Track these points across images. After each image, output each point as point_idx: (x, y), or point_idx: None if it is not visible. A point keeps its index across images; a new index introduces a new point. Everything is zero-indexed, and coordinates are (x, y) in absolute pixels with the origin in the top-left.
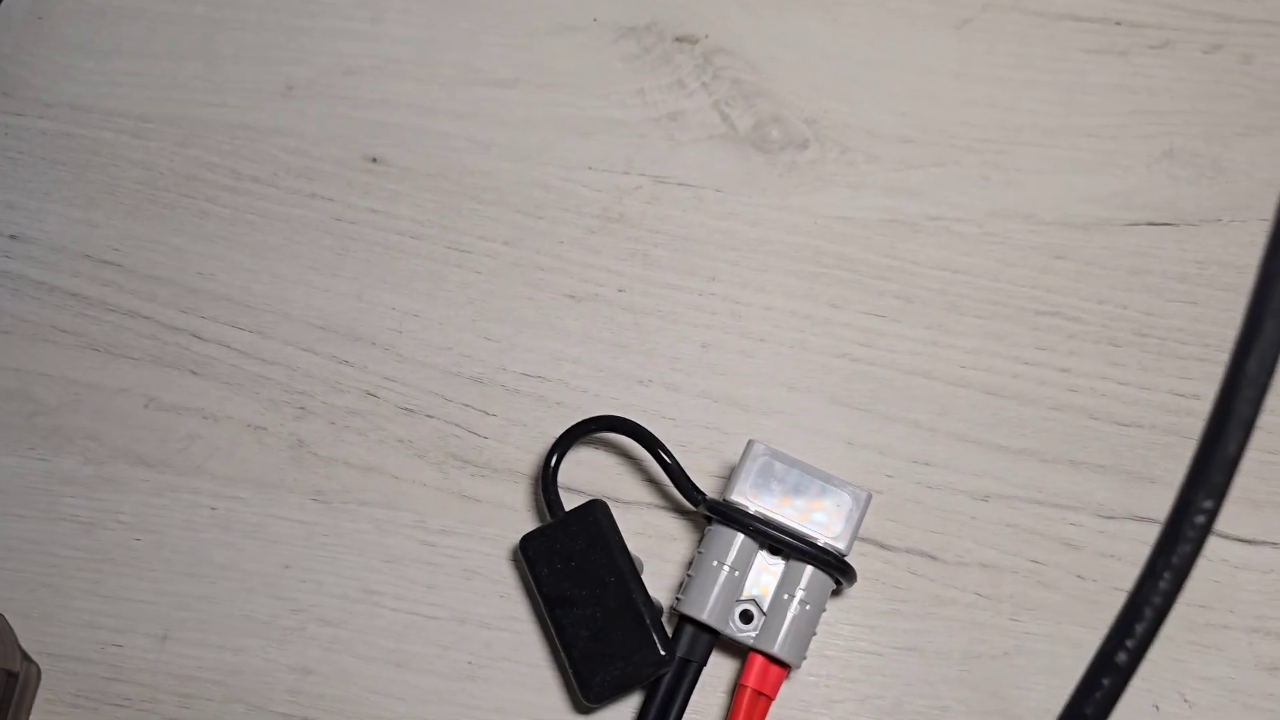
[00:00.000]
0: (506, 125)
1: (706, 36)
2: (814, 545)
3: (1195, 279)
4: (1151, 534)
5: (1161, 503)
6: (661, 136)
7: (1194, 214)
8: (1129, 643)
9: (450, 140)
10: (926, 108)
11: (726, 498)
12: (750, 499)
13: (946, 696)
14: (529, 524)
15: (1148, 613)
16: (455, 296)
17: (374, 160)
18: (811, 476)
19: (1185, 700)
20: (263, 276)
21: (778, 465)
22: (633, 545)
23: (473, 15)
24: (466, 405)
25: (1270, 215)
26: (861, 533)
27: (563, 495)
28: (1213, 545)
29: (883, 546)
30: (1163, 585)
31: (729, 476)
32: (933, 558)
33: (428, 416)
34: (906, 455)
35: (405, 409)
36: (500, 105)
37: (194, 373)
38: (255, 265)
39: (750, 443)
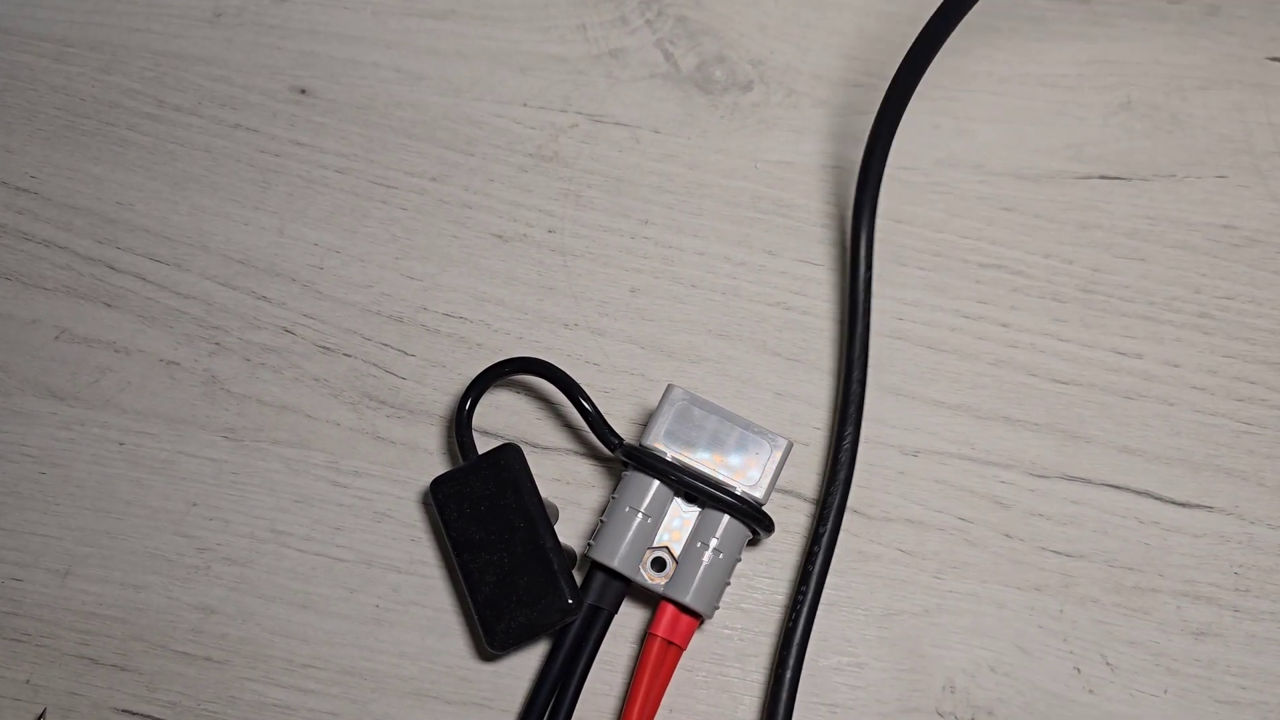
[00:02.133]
0: (440, 57)
1: None
2: (730, 493)
3: (1145, 235)
4: (1083, 494)
5: (1095, 462)
6: (601, 74)
7: (1148, 168)
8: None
9: (380, 72)
10: (878, 52)
11: (642, 443)
12: (667, 445)
13: (863, 654)
14: (443, 467)
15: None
16: (378, 233)
17: (301, 91)
18: (731, 423)
19: (1108, 663)
20: (182, 208)
21: (696, 411)
22: (549, 491)
23: None
24: (385, 345)
25: (1228, 171)
26: (786, 486)
27: (479, 439)
28: (1145, 507)
29: (807, 500)
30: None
31: (646, 422)
32: (857, 512)
33: (345, 355)
34: (835, 405)
35: (322, 347)
36: (434, 36)
37: (108, 305)
38: (175, 196)
39: (669, 387)
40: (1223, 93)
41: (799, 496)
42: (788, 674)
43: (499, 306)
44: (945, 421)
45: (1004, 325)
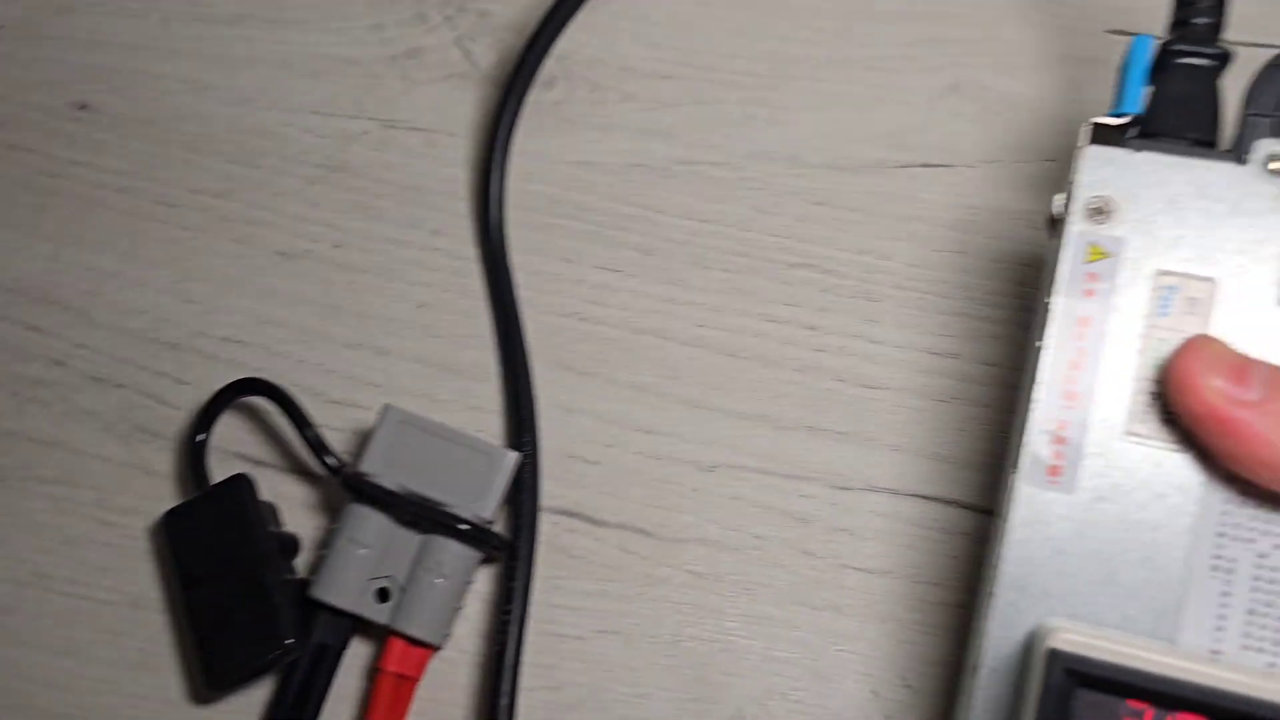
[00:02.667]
0: (228, 65)
1: None
2: (453, 516)
3: (967, 226)
4: (890, 506)
5: (903, 472)
6: (396, 76)
7: (973, 155)
8: None
9: (165, 83)
10: (689, 39)
11: (359, 469)
12: (385, 469)
13: (648, 683)
14: None
15: None
16: (157, 255)
17: (82, 107)
18: (454, 442)
19: (907, 685)
20: None
21: (416, 431)
22: (297, 519)
23: None
24: (160, 373)
25: (1057, 155)
26: (572, 508)
27: (232, 463)
28: (954, 518)
29: (593, 522)
30: None
31: (362, 445)
32: (648, 534)
33: (117, 386)
34: (629, 423)
35: (94, 378)
36: (224, 43)
37: None
38: None
39: (385, 408)
40: (1055, 71)
41: (588, 519)
42: (503, 701)
43: (280, 329)
44: (744, 434)
45: (812, 329)
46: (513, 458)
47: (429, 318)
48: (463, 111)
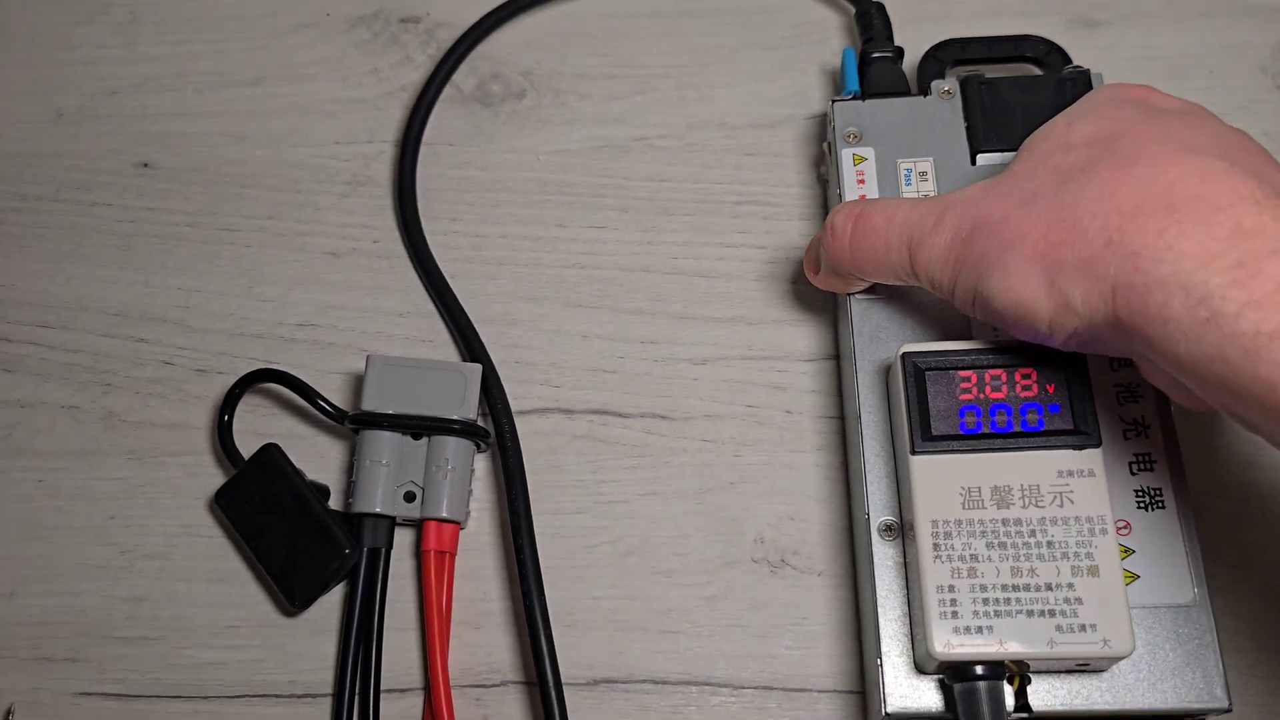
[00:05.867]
0: (257, 118)
1: (428, 14)
2: (444, 420)
3: None
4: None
5: (825, 343)
6: (397, 106)
7: None
8: None
9: (208, 137)
10: (626, 46)
11: (361, 408)
12: (382, 403)
13: (687, 526)
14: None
15: None
16: (230, 269)
17: (145, 165)
18: (429, 369)
19: None
20: (59, 279)
21: (397, 368)
22: (321, 474)
23: (217, 26)
24: (252, 358)
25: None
26: (602, 408)
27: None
28: None
29: (620, 415)
30: None
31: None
32: (664, 417)
33: (219, 374)
34: (633, 338)
35: (199, 370)
36: (250, 101)
37: (8, 370)
38: (50, 271)
39: (368, 357)
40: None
41: (616, 414)
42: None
43: (342, 310)
44: (725, 333)
45: (761, 248)
46: (478, 368)
47: (460, 285)
48: (455, 125)
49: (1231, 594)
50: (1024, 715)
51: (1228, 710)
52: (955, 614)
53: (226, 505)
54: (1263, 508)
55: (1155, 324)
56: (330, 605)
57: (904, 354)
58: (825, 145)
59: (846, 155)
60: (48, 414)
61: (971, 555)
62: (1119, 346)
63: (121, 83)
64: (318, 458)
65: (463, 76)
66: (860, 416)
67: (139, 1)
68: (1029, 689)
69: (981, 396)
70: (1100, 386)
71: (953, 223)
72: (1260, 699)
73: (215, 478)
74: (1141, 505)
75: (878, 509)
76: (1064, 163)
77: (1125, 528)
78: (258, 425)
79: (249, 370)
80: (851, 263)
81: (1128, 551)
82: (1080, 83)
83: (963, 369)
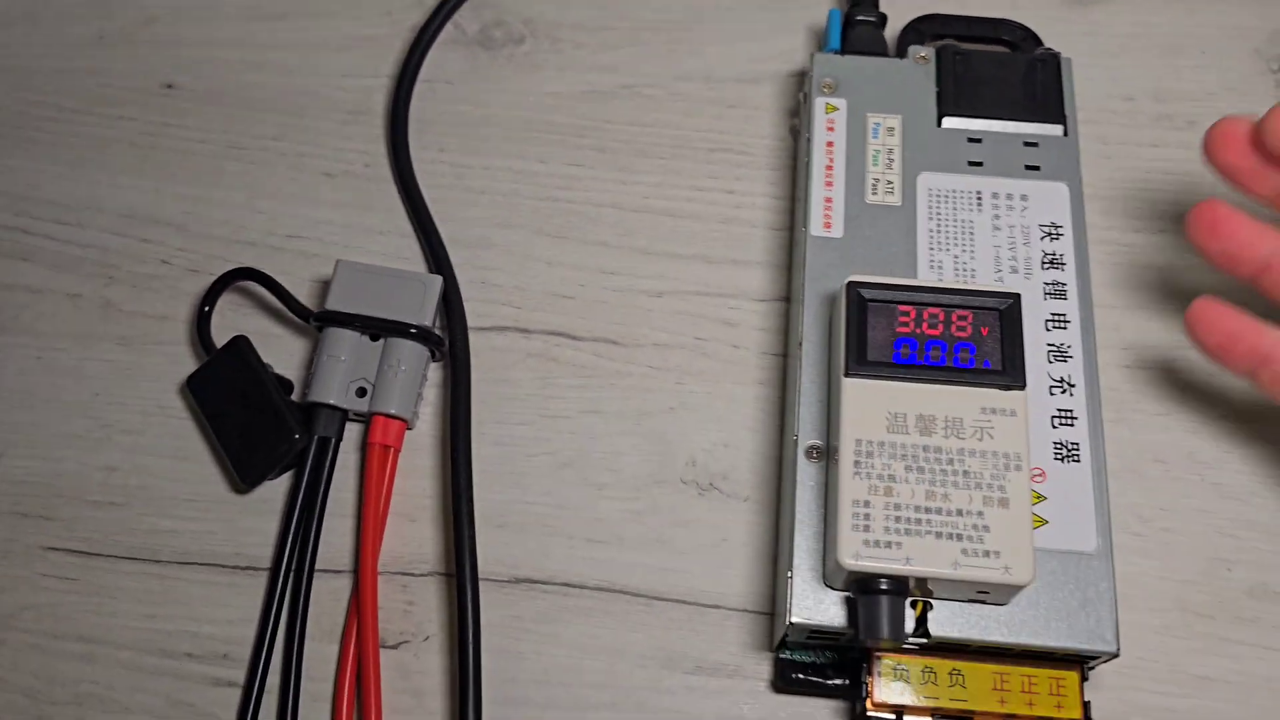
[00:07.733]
0: (277, 49)
1: None
2: (402, 324)
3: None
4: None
5: (779, 286)
6: (403, 47)
7: None
8: None
9: (229, 65)
10: (625, 1)
11: (325, 307)
12: (345, 305)
13: (623, 445)
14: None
15: None
16: (233, 183)
17: (169, 86)
18: (393, 277)
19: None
20: (80, 183)
21: (363, 274)
22: (288, 370)
23: None
24: (242, 262)
25: None
26: (557, 329)
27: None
28: None
29: (573, 338)
30: None
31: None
32: (614, 343)
33: (210, 274)
34: (595, 268)
35: (192, 270)
36: (272, 34)
37: (24, 259)
38: (74, 175)
39: (337, 262)
40: None
41: (568, 336)
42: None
43: (329, 225)
44: (683, 268)
45: (730, 192)
46: (438, 279)
47: (440, 209)
48: (455, 65)
49: (1132, 549)
50: (922, 639)
51: (1115, 655)
52: (868, 528)
53: (196, 389)
54: (1172, 473)
55: None
56: (280, 488)
57: (849, 283)
58: (801, 95)
59: (819, 103)
60: (53, 300)
61: (890, 475)
62: None
63: (160, 9)
64: (287, 355)
65: (468, 20)
66: (801, 344)
67: None
68: (930, 615)
69: (918, 331)
70: (1034, 343)
71: None
72: (1146, 651)
73: (192, 366)
74: (1059, 457)
75: (806, 433)
76: None
77: (1041, 475)
78: (238, 322)
79: (229, 269)
80: None
81: (1040, 497)
82: (1050, 64)
83: (903, 304)
